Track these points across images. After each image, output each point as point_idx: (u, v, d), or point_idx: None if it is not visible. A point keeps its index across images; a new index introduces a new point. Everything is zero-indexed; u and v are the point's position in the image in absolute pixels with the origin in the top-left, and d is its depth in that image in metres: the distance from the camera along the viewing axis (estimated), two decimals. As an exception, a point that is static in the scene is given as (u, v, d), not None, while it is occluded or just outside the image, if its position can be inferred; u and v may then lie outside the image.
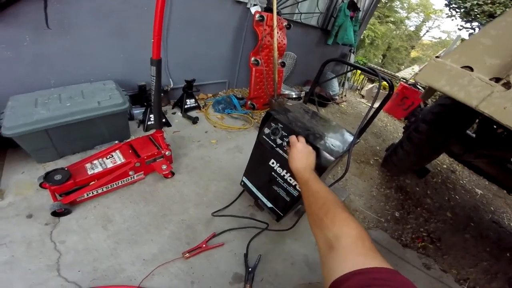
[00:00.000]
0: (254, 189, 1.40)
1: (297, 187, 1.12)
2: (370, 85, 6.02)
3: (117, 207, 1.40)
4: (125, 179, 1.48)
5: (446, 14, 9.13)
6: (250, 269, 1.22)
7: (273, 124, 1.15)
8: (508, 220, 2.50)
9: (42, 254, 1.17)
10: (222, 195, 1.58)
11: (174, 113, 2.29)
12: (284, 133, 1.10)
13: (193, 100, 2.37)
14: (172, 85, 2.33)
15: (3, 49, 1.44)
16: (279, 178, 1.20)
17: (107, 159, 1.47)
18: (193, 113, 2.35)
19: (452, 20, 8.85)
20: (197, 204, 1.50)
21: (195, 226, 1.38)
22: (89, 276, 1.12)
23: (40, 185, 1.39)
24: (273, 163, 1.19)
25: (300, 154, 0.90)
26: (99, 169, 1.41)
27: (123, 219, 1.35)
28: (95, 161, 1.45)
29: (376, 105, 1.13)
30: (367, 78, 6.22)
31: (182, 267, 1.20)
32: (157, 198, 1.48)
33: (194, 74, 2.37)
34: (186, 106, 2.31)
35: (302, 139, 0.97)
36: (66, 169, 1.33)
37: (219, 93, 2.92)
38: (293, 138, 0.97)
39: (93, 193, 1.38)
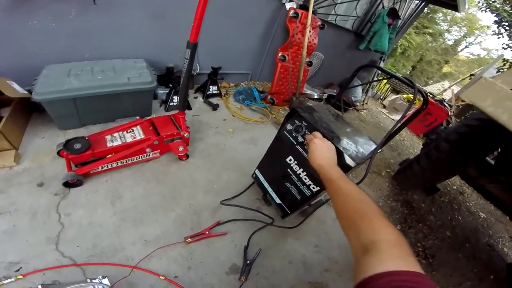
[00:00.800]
0: (265, 183, 1.42)
1: (311, 187, 1.13)
2: (394, 96, 5.82)
3: (128, 184, 1.44)
4: (141, 156, 1.51)
5: (492, 31, 8.61)
6: (248, 262, 1.23)
7: (297, 121, 1.14)
8: (502, 244, 2.49)
9: (45, 225, 1.19)
10: (232, 185, 1.61)
11: (195, 98, 2.34)
12: (307, 132, 1.09)
13: (216, 87, 2.41)
14: (198, 70, 2.37)
15: (48, 21, 1.52)
16: (294, 176, 1.20)
17: (127, 133, 1.51)
18: (214, 100, 2.38)
19: (498, 38, 8.33)
20: (206, 191, 1.53)
21: (202, 212, 1.41)
22: (87, 252, 1.14)
23: (58, 152, 1.42)
24: (290, 160, 1.19)
25: (320, 150, 0.86)
26: (118, 142, 1.44)
27: (132, 196, 1.38)
28: (116, 134, 1.48)
29: (397, 117, 1.10)
30: (391, 89, 6.00)
31: (182, 251, 1.22)
32: (169, 179, 1.53)
33: (220, 62, 2.39)
34: (208, 92, 2.35)
35: (318, 134, 0.95)
36: (86, 138, 1.36)
37: (241, 83, 2.94)
38: (309, 136, 0.95)
39: (107, 167, 1.42)
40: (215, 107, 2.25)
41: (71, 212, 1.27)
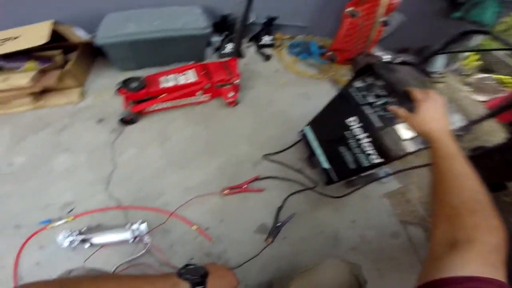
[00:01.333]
0: (315, 143, 1.30)
1: (372, 157, 0.97)
2: (483, 75, 4.74)
3: (177, 125, 1.48)
4: (192, 97, 1.55)
5: None
6: (278, 224, 1.19)
7: (370, 79, 0.97)
8: None
9: (100, 165, 1.30)
10: (277, 140, 1.54)
11: (248, 47, 2.23)
12: (382, 93, 0.92)
13: (270, 38, 2.24)
14: (253, 19, 2.20)
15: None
16: (352, 141, 1.05)
17: (181, 75, 1.53)
18: (267, 51, 2.23)
19: None
20: (250, 142, 1.50)
21: (243, 164, 1.39)
22: (132, 195, 1.22)
23: (117, 90, 1.48)
24: (352, 121, 1.04)
25: (439, 111, 0.64)
26: (171, 83, 1.48)
27: (179, 139, 1.42)
28: (170, 76, 1.52)
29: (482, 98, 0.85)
30: (481, 67, 4.86)
31: (218, 203, 1.24)
32: (216, 125, 1.53)
33: (277, 13, 2.18)
34: (262, 43, 2.21)
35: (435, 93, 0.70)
36: (142, 78, 1.42)
37: (297, 36, 2.68)
38: (422, 91, 0.71)
39: (160, 107, 1.49)
40: (267, 57, 2.12)
41: (123, 151, 1.36)
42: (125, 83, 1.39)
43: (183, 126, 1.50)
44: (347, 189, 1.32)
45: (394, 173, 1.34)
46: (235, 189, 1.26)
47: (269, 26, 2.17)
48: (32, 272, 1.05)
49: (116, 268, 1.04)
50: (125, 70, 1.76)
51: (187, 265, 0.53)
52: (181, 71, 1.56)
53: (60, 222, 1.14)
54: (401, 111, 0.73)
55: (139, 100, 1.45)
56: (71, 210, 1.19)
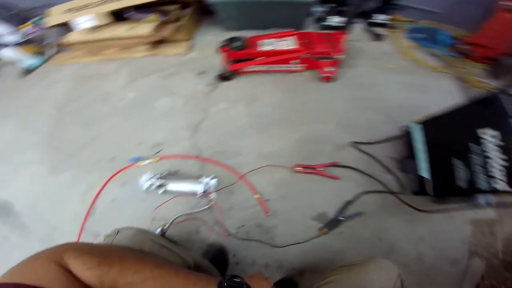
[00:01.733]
0: (420, 146, 1.06)
1: (496, 181, 0.79)
2: None
3: (267, 89, 1.46)
4: (286, 65, 1.48)
5: None
6: (340, 218, 1.04)
7: None
8: None
9: (193, 112, 1.38)
10: (370, 128, 1.32)
11: (356, 23, 1.96)
12: None
13: (385, 17, 1.92)
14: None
15: None
16: (477, 156, 0.84)
17: (281, 41, 1.48)
18: (377, 30, 1.92)
19: None
20: (339, 123, 1.34)
21: (324, 145, 1.26)
22: (212, 148, 1.24)
23: (219, 48, 1.56)
24: (488, 134, 0.82)
25: None
26: (270, 47, 1.45)
27: (266, 103, 1.39)
28: (270, 39, 1.49)
29: None
30: None
31: (286, 177, 1.16)
32: (306, 97, 1.42)
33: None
34: (374, 20, 1.91)
35: None
36: (244, 39, 1.45)
37: (422, 21, 2.21)
38: None
39: (255, 68, 1.49)
40: (378, 37, 1.83)
41: (215, 104, 1.43)
42: (229, 41, 1.45)
43: (272, 91, 1.46)
44: (435, 204, 1.05)
45: (497, 206, 1.01)
46: (308, 169, 1.15)
47: (387, 4, 1.87)
48: (106, 208, 1.19)
49: (176, 218, 1.08)
50: (228, 30, 1.83)
51: (232, 276, 0.46)
52: (281, 36, 1.50)
53: (146, 162, 1.27)
54: None
55: (238, 60, 1.49)
56: (159, 151, 1.31)
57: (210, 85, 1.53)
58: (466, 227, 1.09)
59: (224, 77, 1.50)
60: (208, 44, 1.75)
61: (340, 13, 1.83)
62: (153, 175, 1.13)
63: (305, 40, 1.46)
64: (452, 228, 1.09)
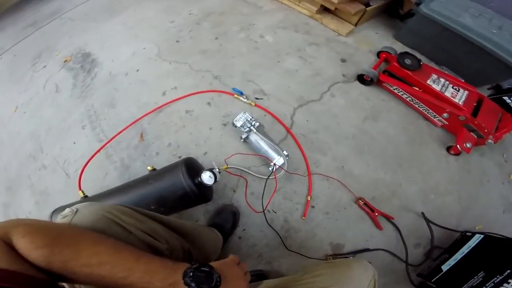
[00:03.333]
0: (466, 249, 0.94)
1: None
2: None
3: (393, 118, 1.31)
4: (432, 111, 1.26)
5: None
6: (349, 257, 1.00)
7: None
8: None
9: (311, 88, 1.36)
10: (444, 214, 1.10)
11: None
12: None
13: None
14: None
15: None
16: None
17: (451, 87, 1.25)
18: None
19: None
20: (425, 191, 1.15)
21: (396, 198, 1.12)
22: (304, 130, 1.22)
23: (378, 53, 1.48)
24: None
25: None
26: (437, 87, 1.23)
27: (382, 130, 1.26)
28: (442, 79, 1.27)
29: None
30: None
31: (344, 201, 1.10)
32: (420, 150, 1.24)
33: None
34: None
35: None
36: (421, 63, 1.30)
37: None
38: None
39: (401, 93, 1.31)
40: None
41: (336, 95, 1.34)
42: (401, 54, 1.32)
43: (395, 123, 1.29)
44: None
45: None
46: (368, 207, 1.07)
47: None
48: (176, 115, 1.24)
49: (230, 167, 1.06)
50: (400, 41, 1.60)
51: (200, 265, 0.41)
52: (456, 84, 1.26)
53: (244, 100, 1.26)
54: None
55: (393, 74, 1.32)
56: (259, 99, 1.29)
57: (343, 76, 1.41)
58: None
59: (364, 79, 1.36)
60: (369, 40, 1.59)
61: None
62: (251, 117, 1.07)
63: (474, 103, 1.21)
64: None
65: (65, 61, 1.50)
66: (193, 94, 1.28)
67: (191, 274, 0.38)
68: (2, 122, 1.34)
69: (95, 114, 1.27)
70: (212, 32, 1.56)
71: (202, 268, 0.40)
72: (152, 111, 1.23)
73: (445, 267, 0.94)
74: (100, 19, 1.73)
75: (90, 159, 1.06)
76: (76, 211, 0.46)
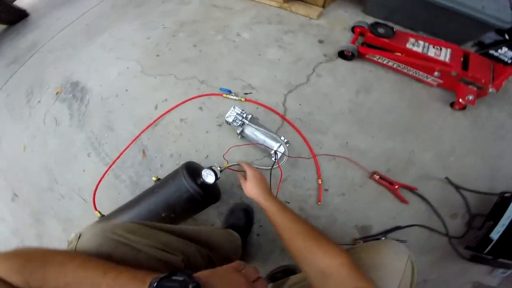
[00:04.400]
0: (510, 213, 0.89)
1: None
2: None
3: (385, 87, 1.30)
4: (423, 73, 1.26)
5: None
6: (380, 238, 0.97)
7: None
8: None
9: (296, 73, 1.36)
10: (470, 177, 1.07)
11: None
12: None
13: None
14: None
15: None
16: None
17: (434, 48, 1.26)
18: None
19: None
20: (441, 155, 1.13)
21: (413, 167, 1.10)
22: (299, 114, 1.21)
23: (352, 28, 1.49)
24: None
25: (257, 184, 0.71)
26: (418, 49, 1.25)
27: (378, 100, 1.26)
28: (422, 42, 1.28)
29: None
30: None
31: (358, 179, 1.08)
32: (423, 114, 1.23)
33: None
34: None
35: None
36: (394, 29, 1.30)
37: None
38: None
39: (386, 62, 1.31)
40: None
41: (322, 75, 1.35)
42: (372, 26, 1.34)
43: (389, 91, 1.29)
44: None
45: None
46: (386, 181, 1.03)
47: None
48: (172, 124, 1.26)
49: (231, 165, 1.04)
50: (371, 16, 1.60)
51: (171, 274, 0.38)
52: (437, 44, 1.27)
53: (234, 97, 1.28)
54: (242, 178, 0.76)
55: (372, 45, 1.33)
56: (247, 94, 1.31)
57: (325, 56, 1.42)
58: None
59: (345, 54, 1.36)
60: (340, 19, 1.60)
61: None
62: (242, 110, 1.08)
63: (461, 58, 1.22)
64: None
65: (56, 93, 1.53)
66: (184, 102, 1.31)
67: (155, 284, 0.36)
68: (16, 161, 1.38)
69: (96, 140, 1.31)
70: (189, 41, 1.58)
71: (174, 277, 0.37)
72: (148, 126, 1.25)
73: (494, 235, 0.87)
74: (79, 46, 1.75)
75: (99, 182, 1.10)
76: (80, 235, 0.48)
